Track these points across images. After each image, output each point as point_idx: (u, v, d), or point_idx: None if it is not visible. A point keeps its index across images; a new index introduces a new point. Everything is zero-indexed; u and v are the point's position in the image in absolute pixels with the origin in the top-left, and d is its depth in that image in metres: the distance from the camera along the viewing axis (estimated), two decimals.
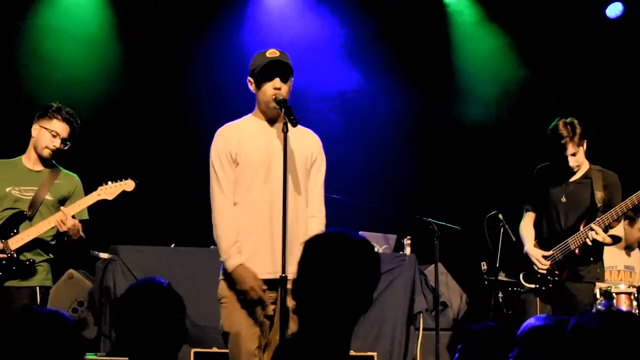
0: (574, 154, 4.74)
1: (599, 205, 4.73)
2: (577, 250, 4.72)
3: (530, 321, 2.64)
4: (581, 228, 4.72)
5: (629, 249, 6.24)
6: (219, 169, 3.72)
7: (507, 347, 2.66)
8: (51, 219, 4.38)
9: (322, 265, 2.03)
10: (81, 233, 4.43)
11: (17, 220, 4.40)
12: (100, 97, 7.13)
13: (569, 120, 4.75)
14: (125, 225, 6.58)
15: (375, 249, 5.89)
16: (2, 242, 4.33)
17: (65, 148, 4.52)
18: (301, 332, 2.05)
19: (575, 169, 4.80)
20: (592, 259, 4.75)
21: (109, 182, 4.47)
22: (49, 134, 4.46)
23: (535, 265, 4.81)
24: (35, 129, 4.50)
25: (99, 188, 4.46)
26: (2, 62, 6.86)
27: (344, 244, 2.06)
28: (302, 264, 2.09)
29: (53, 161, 4.57)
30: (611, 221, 4.67)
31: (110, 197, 4.45)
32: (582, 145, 4.78)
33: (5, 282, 4.34)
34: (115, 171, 4.57)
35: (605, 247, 4.85)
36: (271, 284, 3.61)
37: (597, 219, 4.67)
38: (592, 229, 4.64)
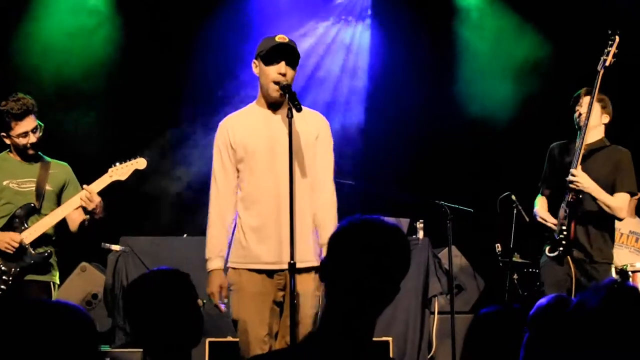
0: (589, 106, 4.65)
1: (601, 176, 4.66)
2: (570, 197, 4.65)
3: (541, 301, 2.57)
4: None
5: None
6: (217, 161, 3.73)
7: (521, 328, 2.61)
8: (73, 201, 4.30)
9: (356, 254, 1.95)
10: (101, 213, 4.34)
11: (27, 213, 4.35)
12: (104, 86, 7.04)
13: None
14: (135, 216, 6.57)
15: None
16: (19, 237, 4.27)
17: (40, 134, 4.41)
18: (326, 318, 1.99)
19: (579, 121, 4.70)
20: (592, 199, 4.65)
21: (117, 163, 4.36)
22: (20, 138, 4.36)
23: (548, 224, 4.75)
24: (7, 139, 4.41)
25: (109, 170, 4.35)
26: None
27: (379, 232, 1.98)
28: (334, 250, 2.01)
29: (39, 152, 4.50)
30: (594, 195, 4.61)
31: (123, 178, 4.35)
32: (599, 107, 4.70)
33: (25, 275, 4.31)
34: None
35: None
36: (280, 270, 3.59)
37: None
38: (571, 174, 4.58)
